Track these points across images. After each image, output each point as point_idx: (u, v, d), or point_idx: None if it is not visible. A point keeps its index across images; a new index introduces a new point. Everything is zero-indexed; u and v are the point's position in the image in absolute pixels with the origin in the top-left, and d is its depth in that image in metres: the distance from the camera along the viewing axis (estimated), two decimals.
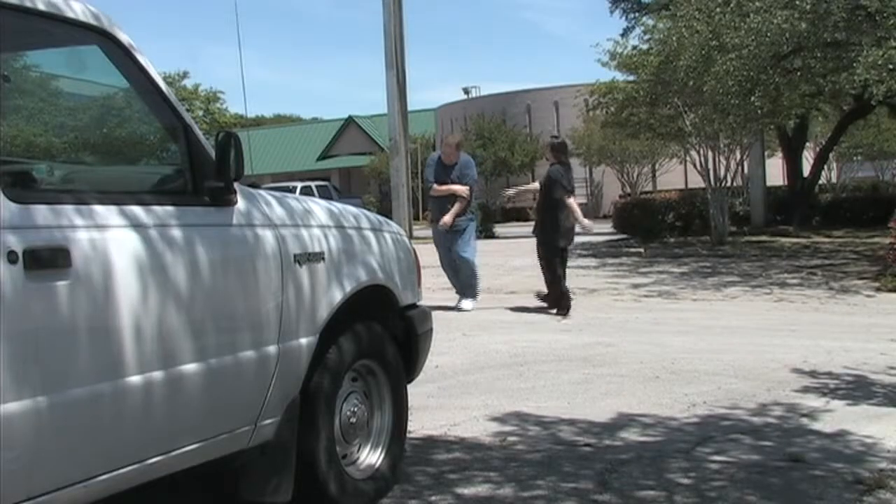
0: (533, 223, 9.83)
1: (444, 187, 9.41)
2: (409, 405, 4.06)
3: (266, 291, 3.13)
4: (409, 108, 19.68)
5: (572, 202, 9.23)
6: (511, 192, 11.35)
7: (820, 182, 29.15)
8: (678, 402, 5.28)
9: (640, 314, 9.44)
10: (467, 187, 9.44)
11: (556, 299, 9.29)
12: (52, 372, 2.39)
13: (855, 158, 36.39)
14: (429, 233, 10.76)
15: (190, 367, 2.79)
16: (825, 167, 29.87)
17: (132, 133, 3.88)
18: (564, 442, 4.52)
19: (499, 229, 26.82)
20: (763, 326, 8.40)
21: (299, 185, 30.03)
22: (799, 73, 15.30)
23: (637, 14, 28.39)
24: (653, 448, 4.35)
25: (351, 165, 51.51)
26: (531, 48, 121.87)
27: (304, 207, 3.53)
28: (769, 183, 26.69)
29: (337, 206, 3.85)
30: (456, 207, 9.30)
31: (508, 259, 15.68)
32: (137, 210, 2.73)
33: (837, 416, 4.84)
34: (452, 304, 9.59)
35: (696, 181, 23.88)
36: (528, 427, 4.81)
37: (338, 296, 3.47)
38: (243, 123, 43.13)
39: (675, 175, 35.82)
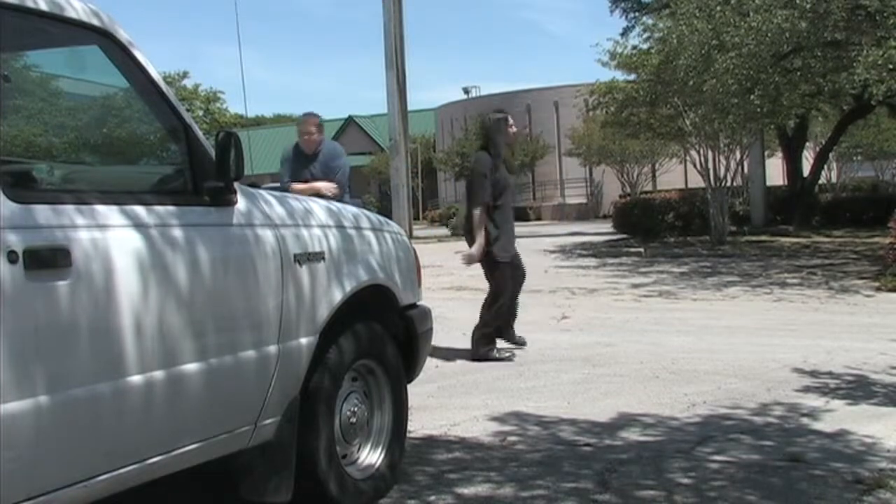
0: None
1: (305, 185, 6.92)
2: (409, 405, 4.06)
3: (266, 291, 3.13)
4: (409, 108, 19.69)
5: (478, 214, 6.76)
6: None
7: (820, 182, 29.17)
8: (678, 402, 5.28)
9: (640, 314, 9.44)
10: (335, 184, 7.06)
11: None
12: (53, 371, 2.39)
13: (855, 158, 36.43)
14: (429, 233, 10.73)
15: (190, 367, 2.79)
16: (825, 167, 29.89)
17: (132, 133, 3.88)
18: (564, 442, 4.52)
19: None
20: (763, 326, 8.40)
21: None
22: (799, 73, 15.31)
23: (637, 13, 28.39)
24: (653, 448, 4.35)
25: (351, 165, 51.47)
26: (531, 48, 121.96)
27: (304, 207, 3.53)
28: (769, 183, 26.71)
29: (336, 206, 3.85)
30: None
31: None
32: (138, 210, 2.73)
33: (837, 416, 4.84)
34: (452, 303, 9.59)
35: (696, 181, 23.89)
36: (528, 427, 4.81)
37: (338, 295, 3.47)
38: (243, 123, 43.12)
39: (675, 175, 35.85)
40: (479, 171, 6.87)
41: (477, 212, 6.76)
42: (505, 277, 6.91)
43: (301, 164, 7.16)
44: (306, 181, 7.01)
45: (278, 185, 6.97)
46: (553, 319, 9.05)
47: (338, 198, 6.67)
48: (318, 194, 6.55)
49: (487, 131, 7.08)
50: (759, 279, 12.65)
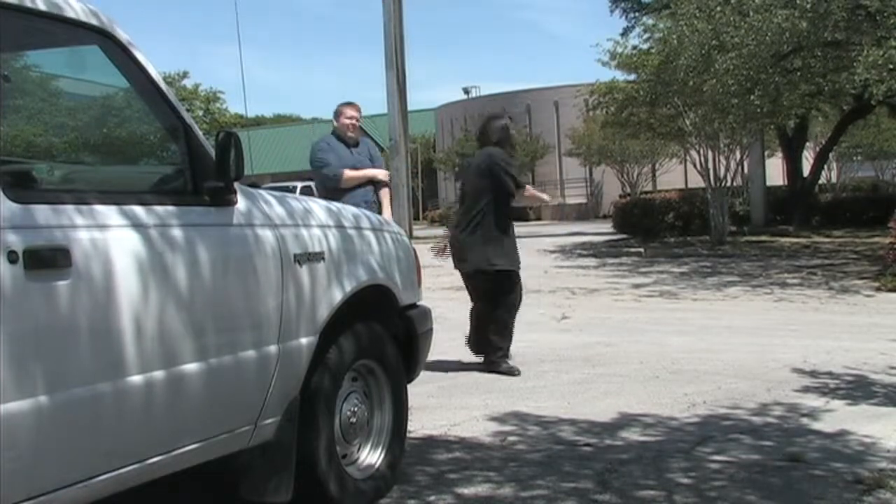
0: (455, 235, 6.61)
1: (359, 173, 6.75)
2: (409, 405, 4.06)
3: (266, 291, 3.13)
4: (409, 108, 19.64)
5: (531, 189, 7.24)
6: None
7: (820, 182, 29.19)
8: (678, 402, 5.28)
9: (640, 314, 9.44)
10: (387, 171, 7.13)
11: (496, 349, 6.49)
12: (53, 371, 2.39)
13: (855, 158, 36.44)
14: (429, 233, 10.69)
15: (190, 367, 2.79)
16: (825, 167, 29.90)
17: (132, 133, 3.88)
18: (564, 442, 4.52)
19: None
20: (763, 326, 8.40)
21: (299, 185, 30.05)
22: (799, 73, 15.31)
23: (637, 14, 28.41)
24: (653, 448, 4.35)
25: None
26: (531, 48, 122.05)
27: (304, 207, 3.53)
28: (769, 183, 26.73)
29: (336, 206, 3.85)
30: (387, 198, 6.91)
31: None
32: (138, 210, 2.73)
33: (837, 416, 4.84)
34: (452, 303, 9.57)
35: (696, 181, 23.91)
36: (528, 427, 4.81)
37: (338, 295, 3.47)
38: (243, 123, 43.09)
39: (675, 175, 35.85)
40: (505, 160, 6.51)
41: (527, 188, 6.95)
42: (514, 284, 6.51)
43: (347, 153, 6.80)
44: (357, 169, 6.74)
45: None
46: (553, 319, 9.05)
47: (388, 185, 6.95)
48: (373, 181, 6.77)
49: (503, 134, 6.70)
50: (759, 279, 12.66)
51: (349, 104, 6.97)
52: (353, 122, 6.85)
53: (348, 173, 6.67)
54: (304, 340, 3.28)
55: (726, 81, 14.47)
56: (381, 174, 6.89)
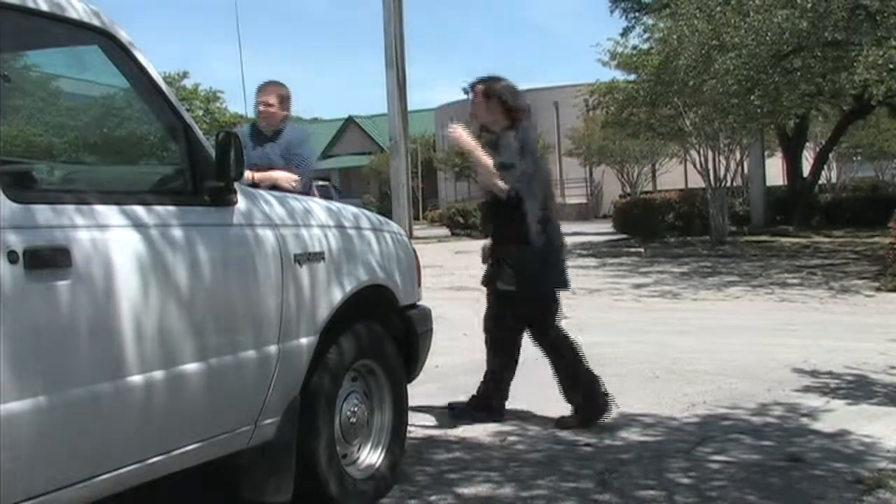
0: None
1: (263, 175, 5.26)
2: (409, 405, 4.05)
3: (266, 291, 3.13)
4: (409, 107, 19.68)
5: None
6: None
7: (820, 182, 29.18)
8: (678, 402, 5.28)
9: (640, 314, 9.44)
10: (296, 177, 5.41)
11: (589, 395, 4.83)
12: (53, 371, 2.39)
13: (855, 158, 36.43)
14: (429, 233, 10.67)
15: (190, 367, 2.79)
16: (825, 167, 29.89)
17: (132, 133, 3.88)
18: (564, 442, 4.52)
19: None
20: (763, 326, 8.40)
21: None
22: (799, 73, 15.31)
23: (637, 14, 28.39)
24: (653, 448, 4.35)
25: (351, 165, 51.60)
26: (531, 48, 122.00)
27: (304, 207, 3.54)
28: (769, 183, 26.71)
29: (336, 206, 3.86)
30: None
31: None
32: (138, 210, 2.73)
33: (837, 416, 4.84)
34: (452, 303, 9.57)
35: (696, 181, 23.92)
36: (528, 427, 4.81)
37: (338, 295, 3.47)
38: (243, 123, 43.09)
39: (675, 175, 35.84)
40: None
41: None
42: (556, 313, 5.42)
43: (259, 146, 5.49)
44: (260, 169, 5.29)
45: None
46: None
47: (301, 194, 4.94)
48: (275, 187, 5.08)
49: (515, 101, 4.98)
50: (759, 279, 12.66)
51: (265, 85, 5.60)
52: (263, 108, 5.51)
53: (247, 175, 4.83)
54: (304, 340, 3.28)
55: (726, 81, 14.47)
56: (282, 179, 5.32)
